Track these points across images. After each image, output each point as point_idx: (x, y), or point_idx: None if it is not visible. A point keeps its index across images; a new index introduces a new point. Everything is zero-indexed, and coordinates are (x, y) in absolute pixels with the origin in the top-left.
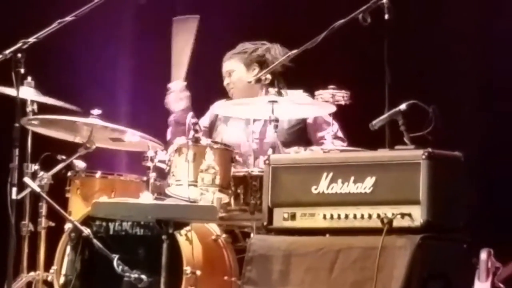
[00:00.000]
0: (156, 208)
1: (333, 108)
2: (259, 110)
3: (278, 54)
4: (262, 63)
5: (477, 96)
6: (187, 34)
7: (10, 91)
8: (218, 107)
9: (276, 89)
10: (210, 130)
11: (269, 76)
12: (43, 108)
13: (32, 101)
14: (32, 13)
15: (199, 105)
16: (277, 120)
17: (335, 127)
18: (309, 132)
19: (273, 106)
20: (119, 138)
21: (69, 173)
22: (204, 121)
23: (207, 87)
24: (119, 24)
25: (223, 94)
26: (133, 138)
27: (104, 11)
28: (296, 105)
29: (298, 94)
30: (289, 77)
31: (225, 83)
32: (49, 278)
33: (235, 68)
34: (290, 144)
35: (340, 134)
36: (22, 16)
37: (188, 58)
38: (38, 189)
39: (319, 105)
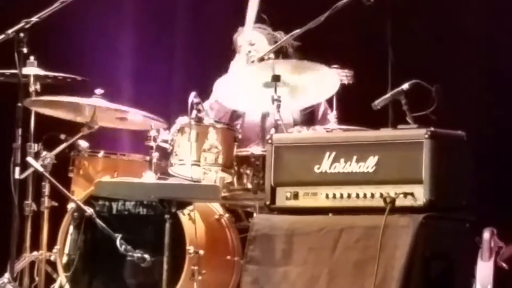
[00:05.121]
0: (159, 188)
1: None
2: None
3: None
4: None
5: (480, 75)
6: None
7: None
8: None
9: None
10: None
11: (272, 56)
12: (47, 88)
13: (35, 81)
14: None
15: (200, 84)
16: (279, 100)
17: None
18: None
19: (275, 86)
20: (122, 117)
21: (72, 153)
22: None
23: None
24: (121, 4)
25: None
26: (136, 118)
27: None
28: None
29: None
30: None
31: (245, 50)
32: (52, 258)
33: (259, 39)
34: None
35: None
36: None
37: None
38: (41, 169)
39: (322, 70)
